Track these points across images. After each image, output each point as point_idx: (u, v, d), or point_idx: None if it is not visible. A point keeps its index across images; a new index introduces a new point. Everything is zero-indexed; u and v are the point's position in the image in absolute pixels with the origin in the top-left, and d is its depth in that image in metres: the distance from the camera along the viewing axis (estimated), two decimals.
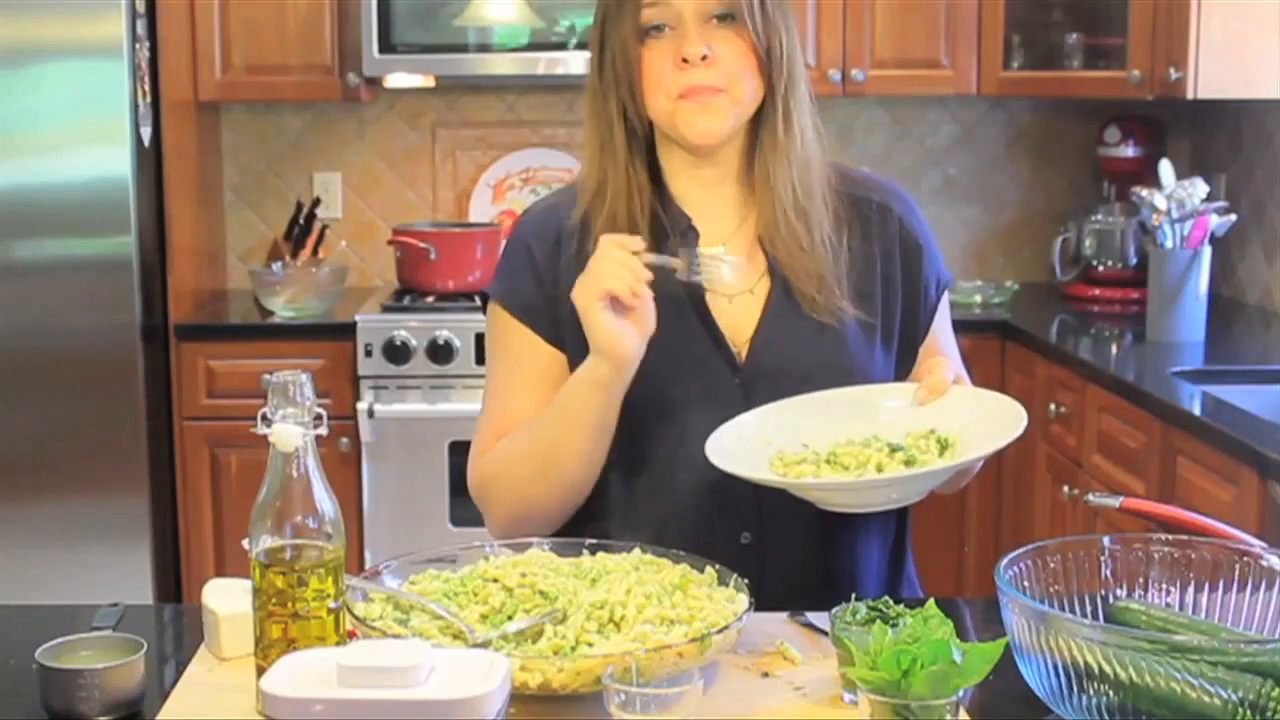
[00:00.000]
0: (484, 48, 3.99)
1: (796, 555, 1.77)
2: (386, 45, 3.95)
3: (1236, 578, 1.47)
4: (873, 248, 1.82)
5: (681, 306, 1.75)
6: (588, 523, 1.79)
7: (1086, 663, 1.31)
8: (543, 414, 1.74)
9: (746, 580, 1.55)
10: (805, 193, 1.78)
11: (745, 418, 1.71)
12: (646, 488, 1.77)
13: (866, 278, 1.81)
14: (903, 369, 1.83)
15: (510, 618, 1.48)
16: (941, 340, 1.87)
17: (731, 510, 1.75)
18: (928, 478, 1.61)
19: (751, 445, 1.68)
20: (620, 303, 1.62)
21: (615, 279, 1.61)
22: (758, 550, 1.76)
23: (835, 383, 1.74)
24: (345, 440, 3.82)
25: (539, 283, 1.80)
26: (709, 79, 1.71)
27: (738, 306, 1.79)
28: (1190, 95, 3.52)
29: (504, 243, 1.88)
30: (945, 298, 1.89)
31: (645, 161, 1.80)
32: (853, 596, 1.50)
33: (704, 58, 1.70)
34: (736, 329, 1.78)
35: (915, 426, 1.68)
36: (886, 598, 1.48)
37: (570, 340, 1.77)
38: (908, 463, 1.62)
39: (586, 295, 1.63)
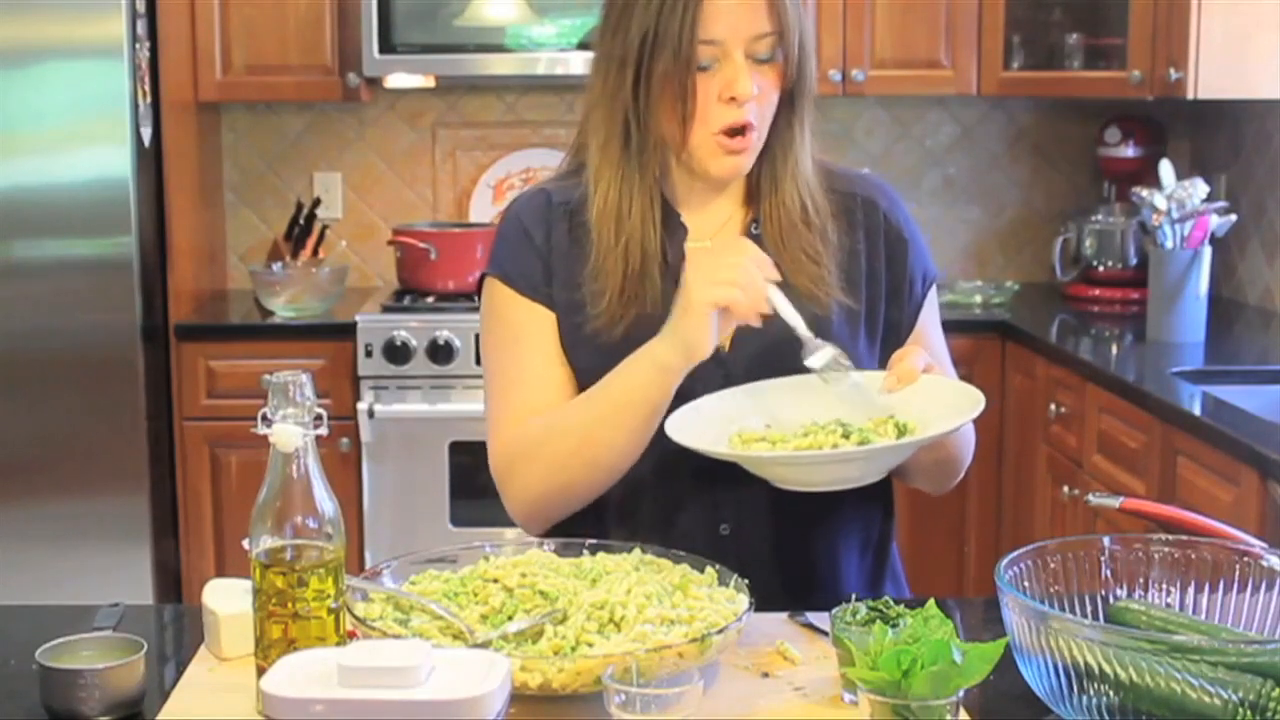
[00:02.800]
0: (484, 48, 3.99)
1: (776, 547, 1.78)
2: (387, 45, 3.95)
3: (1236, 578, 1.47)
4: (858, 242, 1.84)
5: (666, 296, 1.76)
6: (571, 523, 1.79)
7: (1086, 663, 1.31)
8: (594, 390, 1.73)
9: (747, 580, 1.55)
10: (814, 203, 1.81)
11: (710, 397, 1.72)
12: (626, 481, 1.77)
13: (853, 270, 1.82)
14: (886, 365, 1.83)
15: (510, 618, 1.48)
16: (928, 335, 1.87)
17: (710, 503, 1.77)
18: (878, 454, 1.61)
19: (713, 423, 1.69)
20: (729, 313, 1.62)
21: (743, 305, 1.61)
22: (736, 542, 1.77)
23: None
24: (345, 440, 3.82)
25: (538, 257, 1.81)
26: (750, 116, 1.73)
27: None
28: (1190, 95, 3.52)
29: (498, 227, 1.88)
30: (933, 293, 1.89)
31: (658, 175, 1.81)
32: (843, 595, 1.50)
33: (753, 96, 1.71)
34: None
35: (878, 412, 1.69)
36: (887, 598, 1.48)
37: (560, 306, 1.79)
38: (861, 443, 1.63)
39: (708, 291, 1.61)
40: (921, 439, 1.61)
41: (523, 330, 1.81)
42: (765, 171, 1.81)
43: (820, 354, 1.67)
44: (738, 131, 1.73)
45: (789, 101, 1.78)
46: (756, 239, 1.81)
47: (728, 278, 1.61)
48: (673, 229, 1.81)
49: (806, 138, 1.81)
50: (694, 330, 1.62)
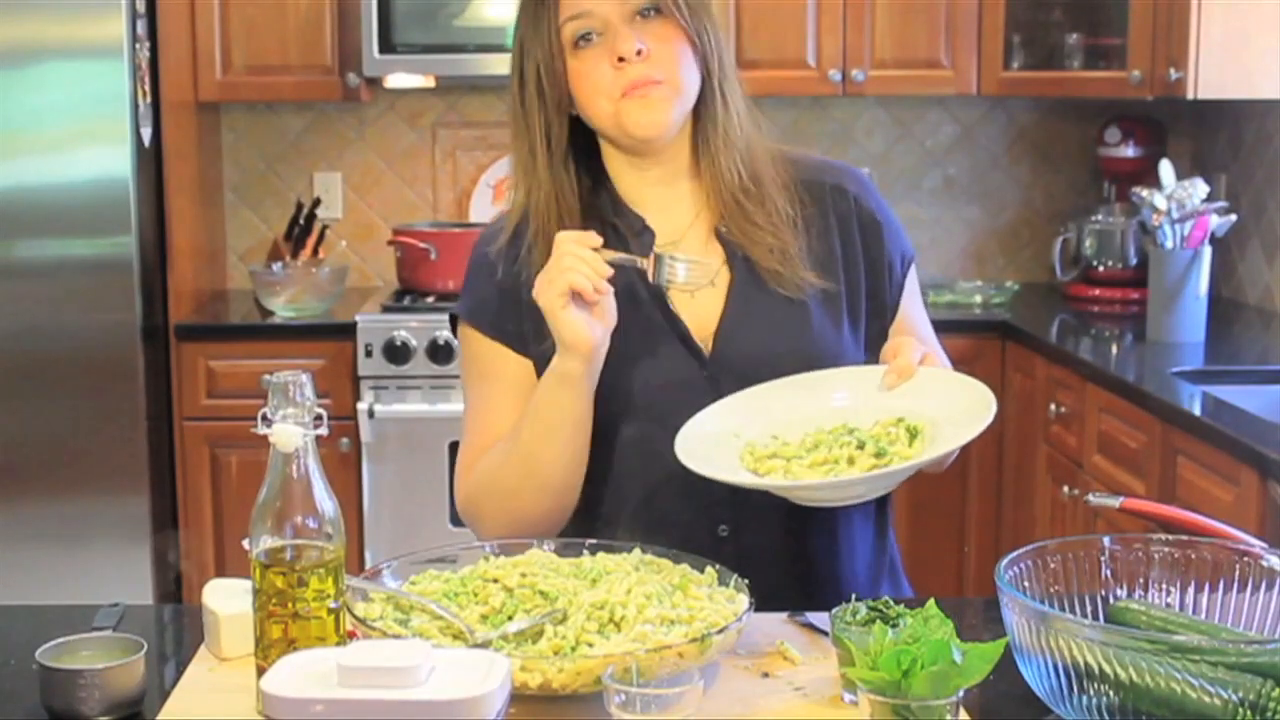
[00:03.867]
0: (484, 48, 3.99)
1: (774, 547, 1.78)
2: (387, 45, 3.95)
3: (1236, 578, 1.47)
4: (830, 229, 1.83)
5: (643, 304, 1.77)
6: (569, 526, 1.80)
7: (1086, 663, 1.31)
8: (519, 421, 1.75)
9: (747, 580, 1.55)
10: (751, 174, 1.80)
11: (712, 411, 1.70)
12: (622, 486, 1.78)
13: (826, 254, 1.81)
14: (874, 351, 1.82)
15: (510, 618, 1.48)
16: (912, 316, 1.87)
17: (708, 504, 1.76)
18: (900, 473, 1.60)
19: (720, 441, 1.68)
20: (582, 298, 1.64)
21: (577, 274, 1.63)
22: (735, 543, 1.77)
23: (804, 368, 1.74)
24: (345, 440, 3.82)
25: (503, 297, 1.81)
26: (648, 72, 1.72)
27: (700, 300, 1.80)
28: (1190, 95, 3.52)
29: (467, 264, 1.88)
30: (913, 273, 1.88)
31: (584, 169, 1.80)
32: (844, 590, 1.50)
33: (639, 53, 1.71)
34: (700, 323, 1.79)
35: (883, 413, 1.67)
36: (887, 599, 1.48)
37: (534, 349, 1.79)
38: (878, 454, 1.62)
39: (549, 293, 1.64)
40: (941, 452, 1.60)
41: (485, 370, 1.83)
42: (701, 146, 1.80)
43: (661, 268, 1.70)
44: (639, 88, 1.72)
45: (705, 72, 1.77)
46: (725, 235, 1.81)
47: (558, 268, 1.64)
48: (638, 232, 1.80)
49: (735, 110, 1.80)
50: (563, 329, 1.65)
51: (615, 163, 1.82)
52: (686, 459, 1.62)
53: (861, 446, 1.63)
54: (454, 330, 1.89)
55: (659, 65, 1.72)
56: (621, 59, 1.71)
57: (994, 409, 1.61)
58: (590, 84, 1.73)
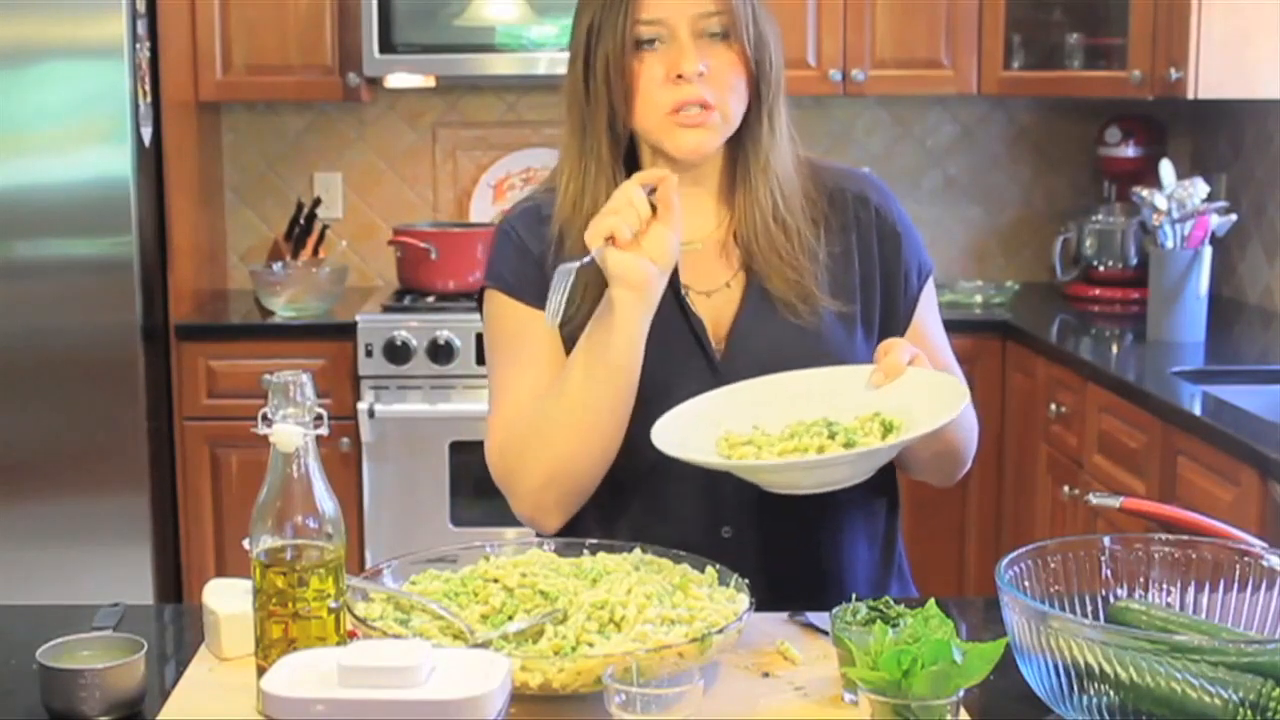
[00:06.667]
0: (484, 48, 4.00)
1: (779, 549, 1.78)
2: (387, 45, 3.95)
3: (1237, 578, 1.48)
4: (850, 239, 1.83)
5: (662, 302, 1.76)
6: (573, 521, 1.79)
7: (1087, 663, 1.31)
8: (568, 363, 1.74)
9: (747, 580, 1.55)
10: (785, 202, 1.80)
11: (698, 400, 1.71)
12: (627, 482, 1.77)
13: (844, 271, 1.82)
14: None
15: (511, 618, 1.48)
16: (927, 327, 1.87)
17: (712, 503, 1.76)
18: (862, 457, 1.60)
19: (700, 429, 1.69)
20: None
21: (621, 225, 1.63)
22: (739, 544, 1.77)
23: None
24: (346, 440, 3.82)
25: (533, 264, 1.81)
26: (702, 94, 1.72)
27: (715, 301, 1.80)
28: (1190, 95, 3.52)
29: (492, 241, 1.88)
30: (930, 286, 1.88)
31: (625, 167, 1.81)
32: (850, 594, 1.51)
33: (700, 74, 1.71)
34: (715, 323, 1.80)
35: (866, 409, 1.68)
36: (887, 598, 1.48)
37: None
38: (847, 445, 1.62)
39: (592, 235, 1.65)
40: (906, 439, 1.61)
41: (517, 334, 1.81)
42: (739, 169, 1.81)
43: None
44: (691, 110, 1.72)
45: (755, 95, 1.77)
46: (747, 261, 1.81)
47: (604, 209, 1.66)
48: None
49: (780, 133, 1.80)
50: (610, 265, 1.65)
51: (649, 156, 1.82)
52: (658, 439, 1.63)
53: (833, 437, 1.63)
54: (480, 310, 1.88)
55: (713, 88, 1.72)
56: (680, 76, 1.71)
57: (965, 399, 1.62)
58: (644, 92, 1.73)
